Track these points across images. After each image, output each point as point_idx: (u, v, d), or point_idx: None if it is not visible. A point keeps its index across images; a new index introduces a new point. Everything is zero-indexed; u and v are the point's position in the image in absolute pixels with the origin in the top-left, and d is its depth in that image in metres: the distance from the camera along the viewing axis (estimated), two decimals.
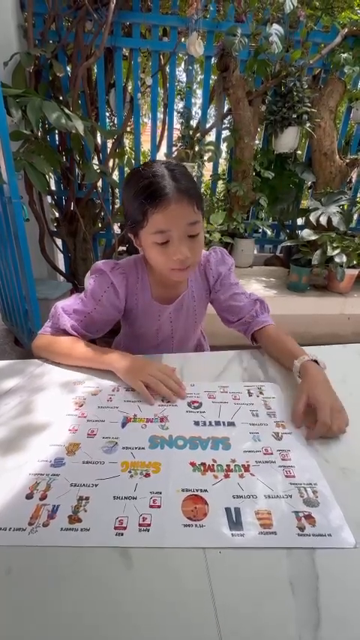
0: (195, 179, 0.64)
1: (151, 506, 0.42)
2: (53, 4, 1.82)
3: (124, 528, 0.39)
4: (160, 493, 0.44)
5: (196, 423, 0.56)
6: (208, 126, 2.26)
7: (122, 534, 0.39)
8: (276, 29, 1.79)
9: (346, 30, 1.99)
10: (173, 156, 2.15)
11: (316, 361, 0.65)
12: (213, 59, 2.11)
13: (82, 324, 0.74)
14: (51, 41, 1.92)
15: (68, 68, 2.03)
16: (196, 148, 2.08)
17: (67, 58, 2.01)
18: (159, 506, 0.42)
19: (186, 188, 0.62)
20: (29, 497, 0.43)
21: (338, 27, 2.00)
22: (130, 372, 0.64)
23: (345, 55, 1.96)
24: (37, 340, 0.74)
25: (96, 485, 0.44)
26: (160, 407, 0.60)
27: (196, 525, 0.40)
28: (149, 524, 0.40)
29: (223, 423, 0.57)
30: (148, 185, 0.61)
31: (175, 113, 2.21)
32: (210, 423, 0.56)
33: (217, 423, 0.56)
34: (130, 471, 0.47)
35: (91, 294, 0.74)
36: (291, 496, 0.44)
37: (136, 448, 0.51)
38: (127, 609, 0.33)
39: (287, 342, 0.73)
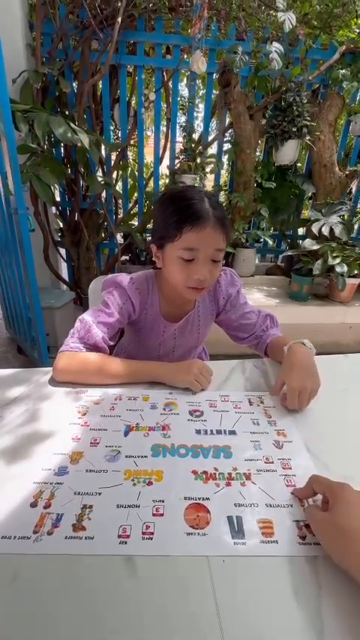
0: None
1: (154, 515, 0.42)
2: (61, 24, 1.89)
3: (128, 537, 0.40)
4: (163, 501, 0.44)
5: (198, 432, 0.57)
6: (209, 139, 2.31)
7: (126, 543, 0.39)
8: (276, 47, 1.84)
9: (344, 47, 2.05)
10: (176, 168, 2.20)
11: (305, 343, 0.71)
12: (215, 75, 2.17)
13: (106, 335, 0.75)
14: (58, 59, 1.99)
15: (74, 84, 2.09)
16: (198, 160, 2.12)
17: (73, 74, 2.08)
18: (162, 515, 0.42)
19: (222, 217, 0.68)
20: (33, 505, 0.43)
21: (336, 44, 2.07)
22: (182, 374, 0.68)
23: (343, 71, 2.02)
24: (60, 362, 0.68)
25: (99, 494, 0.45)
26: (162, 415, 0.61)
27: (198, 534, 0.40)
28: (152, 533, 0.40)
29: (225, 431, 0.57)
30: (190, 205, 0.66)
31: (177, 127, 2.26)
32: (211, 431, 0.57)
33: (219, 432, 0.57)
34: (132, 480, 0.47)
35: (113, 305, 0.76)
36: (292, 505, 0.44)
37: (138, 456, 0.51)
38: (131, 617, 0.33)
39: (283, 340, 0.77)
